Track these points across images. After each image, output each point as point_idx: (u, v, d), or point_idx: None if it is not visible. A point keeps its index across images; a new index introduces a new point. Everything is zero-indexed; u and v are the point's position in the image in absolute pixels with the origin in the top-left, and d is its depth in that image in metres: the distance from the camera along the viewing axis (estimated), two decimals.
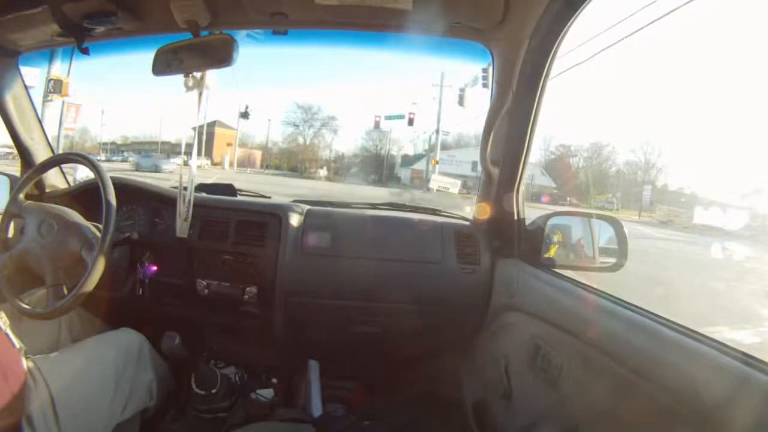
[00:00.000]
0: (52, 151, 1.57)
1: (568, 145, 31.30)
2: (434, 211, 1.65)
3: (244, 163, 32.30)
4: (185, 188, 1.30)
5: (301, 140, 36.13)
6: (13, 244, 1.14)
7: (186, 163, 1.31)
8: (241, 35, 1.11)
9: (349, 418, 1.32)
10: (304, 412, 1.21)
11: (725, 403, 0.58)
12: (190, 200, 1.31)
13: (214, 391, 1.22)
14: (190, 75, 1.19)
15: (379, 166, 32.99)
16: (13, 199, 1.19)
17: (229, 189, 1.64)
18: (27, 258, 1.11)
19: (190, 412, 1.24)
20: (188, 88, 1.20)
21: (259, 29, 1.26)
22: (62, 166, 1.54)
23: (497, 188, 1.34)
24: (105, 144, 32.12)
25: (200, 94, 1.22)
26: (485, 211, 1.42)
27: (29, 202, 1.20)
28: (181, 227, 1.33)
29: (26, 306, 1.09)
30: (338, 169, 34.47)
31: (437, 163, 18.79)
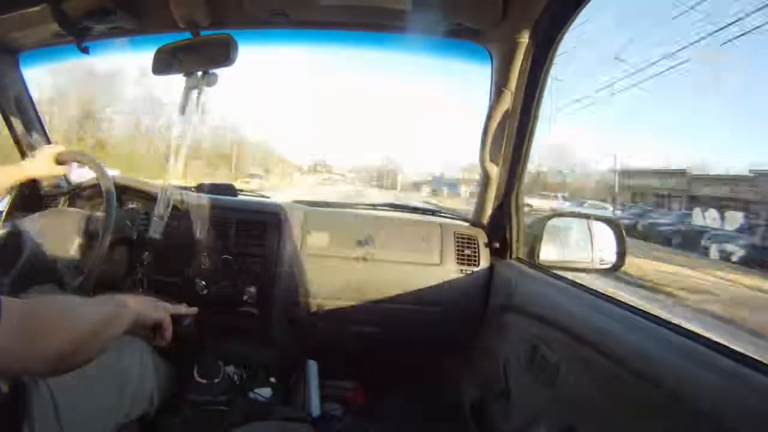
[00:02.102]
0: None
1: None
2: (433, 212, 1.65)
3: None
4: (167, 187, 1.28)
5: None
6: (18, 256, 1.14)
7: (169, 163, 1.29)
8: (241, 35, 1.11)
9: (348, 417, 1.33)
10: (303, 411, 1.21)
11: (722, 403, 0.58)
12: (169, 199, 1.29)
13: (216, 380, 1.22)
14: (191, 74, 1.18)
15: None
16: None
17: (229, 189, 1.64)
18: (37, 259, 1.12)
19: (188, 405, 1.23)
20: (188, 88, 1.20)
21: (260, 29, 1.26)
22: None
23: (496, 189, 1.35)
24: None
25: (200, 93, 1.22)
26: (484, 212, 1.42)
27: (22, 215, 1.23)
28: (155, 226, 1.31)
29: None
30: None
31: None
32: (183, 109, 1.14)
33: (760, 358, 0.60)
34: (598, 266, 1.30)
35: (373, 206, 1.70)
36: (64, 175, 1.60)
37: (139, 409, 1.06)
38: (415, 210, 1.68)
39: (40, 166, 1.18)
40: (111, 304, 0.75)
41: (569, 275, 1.21)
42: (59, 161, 1.20)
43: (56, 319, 0.61)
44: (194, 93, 1.13)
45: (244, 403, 1.30)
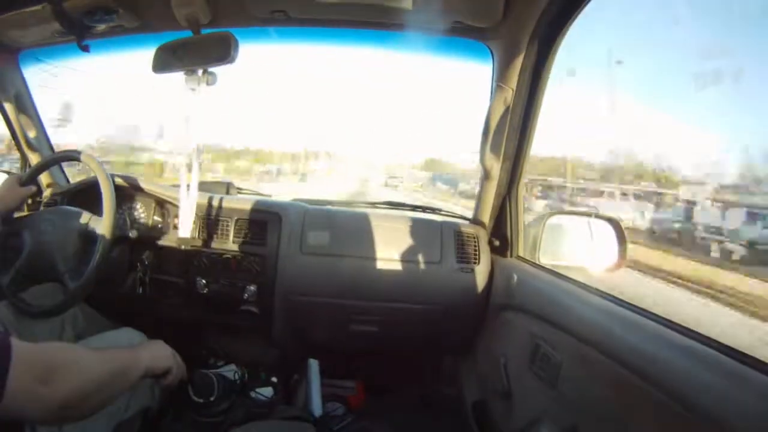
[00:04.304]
0: (52, 149, 1.57)
1: None
2: (434, 210, 1.65)
3: None
4: (188, 186, 1.29)
5: None
6: (18, 254, 1.15)
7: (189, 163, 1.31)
8: (241, 33, 1.11)
9: (349, 417, 1.33)
10: (304, 411, 1.21)
11: (723, 403, 0.58)
12: (193, 200, 1.31)
13: (212, 399, 1.19)
14: (192, 73, 1.18)
15: None
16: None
17: (228, 187, 1.64)
18: (37, 258, 1.13)
19: (190, 415, 1.23)
20: (189, 87, 1.20)
21: (260, 27, 1.26)
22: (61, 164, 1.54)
23: (497, 187, 1.35)
24: None
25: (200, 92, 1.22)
26: (485, 210, 1.42)
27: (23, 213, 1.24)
28: (185, 227, 1.33)
29: (41, 306, 1.10)
30: None
31: None
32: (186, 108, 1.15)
33: (761, 358, 0.60)
34: (599, 265, 1.30)
35: (373, 204, 1.70)
36: (64, 174, 1.61)
37: (139, 403, 1.06)
38: (415, 208, 1.67)
39: (11, 197, 1.21)
40: (121, 359, 0.76)
41: (570, 274, 1.21)
42: (22, 183, 1.23)
43: (64, 367, 0.62)
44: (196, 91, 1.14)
45: (246, 402, 1.29)
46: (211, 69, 1.13)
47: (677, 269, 5.04)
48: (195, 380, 1.19)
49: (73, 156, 1.26)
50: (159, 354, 0.87)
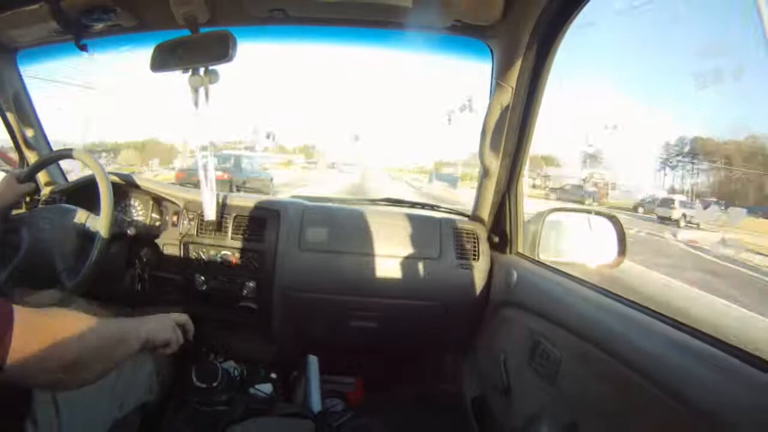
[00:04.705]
0: (50, 148, 1.57)
1: None
2: (433, 207, 1.65)
3: None
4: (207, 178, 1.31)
5: None
6: (16, 251, 1.15)
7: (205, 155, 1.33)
8: (240, 31, 1.11)
9: (348, 413, 1.33)
10: (304, 407, 1.21)
11: (722, 399, 0.59)
12: (213, 189, 1.34)
13: (215, 384, 1.21)
14: (192, 72, 1.18)
15: None
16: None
17: (227, 185, 1.64)
18: (34, 256, 1.13)
19: (190, 406, 1.24)
20: (191, 85, 1.20)
21: (258, 26, 1.26)
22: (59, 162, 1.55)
23: (496, 184, 1.35)
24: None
25: (206, 90, 1.22)
26: (484, 207, 1.42)
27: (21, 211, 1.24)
28: (209, 209, 1.36)
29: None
30: None
31: None
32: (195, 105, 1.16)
33: (760, 355, 0.60)
34: (598, 261, 1.30)
35: (372, 201, 1.70)
36: (62, 172, 1.61)
37: (138, 396, 1.06)
38: (414, 205, 1.67)
39: (10, 194, 1.22)
40: (120, 327, 0.76)
41: (569, 270, 1.21)
42: (21, 181, 1.23)
43: (65, 331, 0.62)
44: (201, 90, 1.14)
45: (245, 399, 1.30)
46: (211, 67, 1.13)
47: None
48: (199, 366, 1.22)
49: (67, 154, 1.27)
50: (160, 325, 0.88)
